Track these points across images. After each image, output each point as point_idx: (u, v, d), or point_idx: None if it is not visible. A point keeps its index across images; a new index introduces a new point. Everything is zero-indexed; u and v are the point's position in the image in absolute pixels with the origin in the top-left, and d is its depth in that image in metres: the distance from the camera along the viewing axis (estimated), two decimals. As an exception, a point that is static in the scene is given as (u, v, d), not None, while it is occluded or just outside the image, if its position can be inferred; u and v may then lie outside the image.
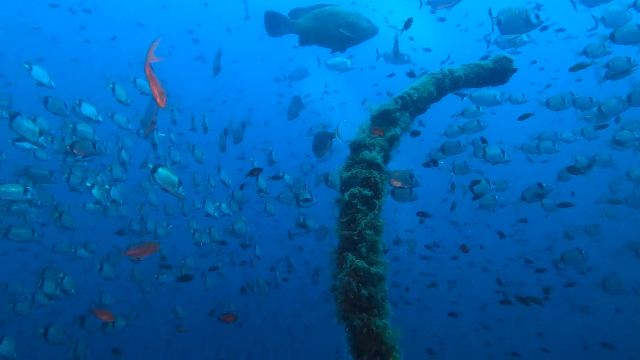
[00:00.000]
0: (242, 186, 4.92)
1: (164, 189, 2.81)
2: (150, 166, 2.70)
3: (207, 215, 4.66)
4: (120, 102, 4.56)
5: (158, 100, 2.33)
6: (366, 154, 3.23)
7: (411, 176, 4.02)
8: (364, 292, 2.71)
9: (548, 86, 13.33)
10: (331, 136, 3.94)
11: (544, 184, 5.95)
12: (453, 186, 6.56)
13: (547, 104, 6.11)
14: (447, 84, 3.66)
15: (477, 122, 6.46)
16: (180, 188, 2.85)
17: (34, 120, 5.03)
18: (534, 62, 15.08)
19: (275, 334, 17.70)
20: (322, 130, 4.35)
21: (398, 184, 3.97)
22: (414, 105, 3.52)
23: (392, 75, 7.82)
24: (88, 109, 4.23)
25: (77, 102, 4.24)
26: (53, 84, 4.70)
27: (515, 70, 3.96)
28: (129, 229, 5.12)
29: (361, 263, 2.76)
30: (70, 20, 18.41)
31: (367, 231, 2.89)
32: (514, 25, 4.74)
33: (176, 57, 22.00)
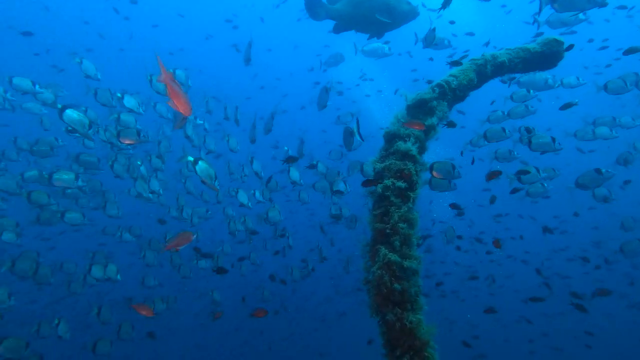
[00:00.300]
0: (268, 180, 4.94)
1: (203, 182, 2.94)
2: (192, 159, 2.82)
3: (242, 205, 4.77)
4: (158, 93, 4.73)
5: (182, 111, 2.41)
6: (400, 144, 3.13)
7: (453, 167, 3.84)
8: (397, 286, 2.67)
9: (608, 66, 12.23)
10: (352, 133, 3.87)
11: (603, 170, 5.47)
12: (473, 160, 6.22)
13: (605, 87, 5.55)
14: (489, 71, 3.45)
15: (524, 107, 6.00)
16: (216, 181, 2.96)
17: (85, 112, 5.35)
18: (591, 41, 13.80)
19: (309, 321, 18.05)
20: (347, 127, 4.30)
21: (439, 175, 3.82)
22: (453, 93, 3.36)
23: (430, 59, 7.50)
24: (130, 101, 4.44)
25: (119, 95, 4.45)
26: (99, 76, 4.96)
27: (570, 47, 3.65)
28: (169, 215, 5.37)
29: (394, 257, 2.71)
30: (115, 12, 19.27)
31: (401, 224, 2.83)
32: (571, 2, 4.35)
33: (214, 45, 22.43)
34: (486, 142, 5.83)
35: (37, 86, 5.00)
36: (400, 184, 2.94)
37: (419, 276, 2.87)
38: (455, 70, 3.42)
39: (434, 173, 3.77)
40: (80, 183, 4.70)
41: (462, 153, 6.52)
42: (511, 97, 6.09)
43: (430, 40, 4.81)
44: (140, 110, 4.55)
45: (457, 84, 3.33)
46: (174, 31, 22.73)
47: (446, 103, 3.35)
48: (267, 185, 5.35)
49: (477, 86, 3.45)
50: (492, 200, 5.52)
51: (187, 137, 4.57)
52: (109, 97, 4.72)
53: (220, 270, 4.45)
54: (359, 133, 3.47)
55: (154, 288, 5.82)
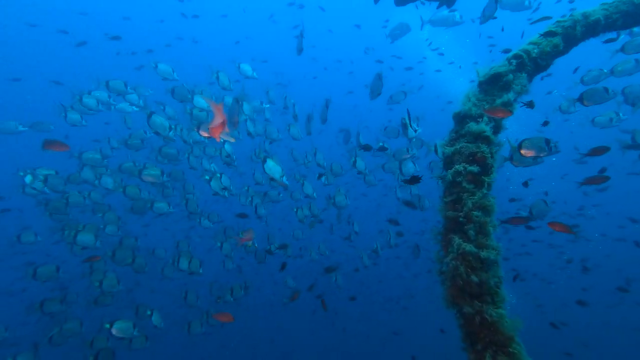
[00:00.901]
0: (320, 176, 4.90)
1: (271, 179, 3.05)
2: (261, 156, 2.97)
3: (307, 196, 4.86)
4: (224, 89, 4.96)
5: (214, 135, 2.49)
6: (472, 126, 2.89)
7: (547, 142, 3.37)
8: (474, 278, 2.51)
9: None
10: (381, 84, 3.73)
11: None
12: (546, 123, 5.44)
13: None
14: (579, 32, 2.99)
15: (634, 62, 4.95)
16: (284, 177, 3.05)
17: (164, 109, 5.83)
18: None
19: (380, 303, 18.11)
20: (379, 73, 4.05)
21: (531, 153, 3.41)
22: (533, 63, 2.98)
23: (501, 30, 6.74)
24: (200, 102, 4.73)
25: (189, 97, 4.76)
26: (176, 76, 5.32)
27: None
28: (239, 204, 5.69)
29: (469, 247, 2.55)
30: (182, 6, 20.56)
31: (475, 212, 2.63)
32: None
33: (277, 30, 22.76)
34: (576, 109, 5.09)
35: (128, 87, 5.51)
36: (473, 168, 2.72)
37: (499, 267, 2.66)
38: (535, 36, 3.02)
39: (524, 151, 3.37)
40: (165, 178, 5.17)
41: (546, 123, 5.81)
42: (622, 49, 5.04)
43: (490, 13, 4.02)
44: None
45: (539, 52, 2.95)
46: (240, 21, 23.43)
47: (525, 75, 3.00)
48: (318, 178, 5.36)
49: (563, 52, 3.03)
50: (598, 177, 4.71)
51: (249, 133, 4.75)
52: (185, 93, 5.09)
53: (283, 266, 4.64)
54: (411, 125, 3.25)
55: (232, 272, 6.25)
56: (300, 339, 16.60)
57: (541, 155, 3.32)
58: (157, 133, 4.73)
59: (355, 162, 4.43)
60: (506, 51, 4.88)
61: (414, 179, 3.93)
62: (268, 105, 5.69)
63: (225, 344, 14.94)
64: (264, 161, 3.06)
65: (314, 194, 5.00)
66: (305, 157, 5.53)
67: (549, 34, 2.94)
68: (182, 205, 5.85)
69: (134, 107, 5.88)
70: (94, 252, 4.71)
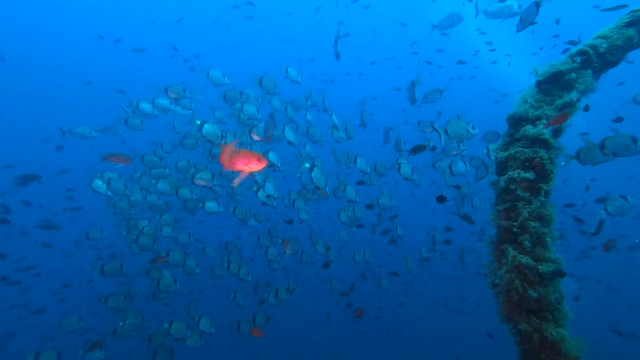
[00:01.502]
0: (360, 182, 4.79)
1: (317, 187, 3.12)
2: (307, 165, 3.04)
3: (350, 201, 4.83)
4: (268, 93, 5.05)
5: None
6: (529, 129, 2.69)
7: (635, 140, 3.02)
8: (532, 293, 2.35)
9: None
10: (413, 84, 3.56)
11: None
12: (619, 119, 4.89)
13: None
14: (656, 22, 2.68)
15: None
16: (327, 187, 3.09)
17: (214, 113, 6.06)
18: None
19: (428, 306, 17.60)
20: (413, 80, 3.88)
21: (614, 154, 3.04)
22: (601, 59, 2.72)
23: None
24: (250, 109, 4.85)
25: (239, 105, 4.91)
26: (227, 80, 5.47)
27: None
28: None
29: (526, 259, 2.39)
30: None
31: (531, 222, 2.46)
32: None
33: (323, 29, 22.81)
34: None
35: (186, 92, 5.78)
36: (528, 175, 2.54)
37: (560, 282, 2.47)
38: (605, 29, 2.75)
39: (606, 151, 3.04)
40: (215, 182, 5.39)
41: (619, 119, 5.28)
42: None
43: (531, 17, 3.41)
44: (259, 116, 4.94)
45: (608, 46, 2.68)
46: (288, 21, 23.76)
47: (590, 72, 2.74)
48: (375, 169, 5.24)
49: (638, 45, 2.73)
50: None
51: (289, 142, 4.79)
52: (237, 96, 5.25)
53: (326, 265, 4.65)
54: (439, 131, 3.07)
55: (277, 270, 6.38)
56: (346, 338, 16.60)
57: (626, 155, 2.99)
58: (209, 141, 4.93)
59: (399, 168, 4.32)
60: (572, 42, 4.45)
61: (441, 199, 3.82)
62: (310, 103, 5.66)
63: (272, 342, 15.33)
64: (311, 169, 3.13)
65: (357, 198, 4.95)
66: (347, 157, 5.46)
67: (622, 25, 2.67)
68: (231, 204, 6.05)
69: (185, 111, 6.18)
70: (153, 254, 5.03)
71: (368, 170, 4.68)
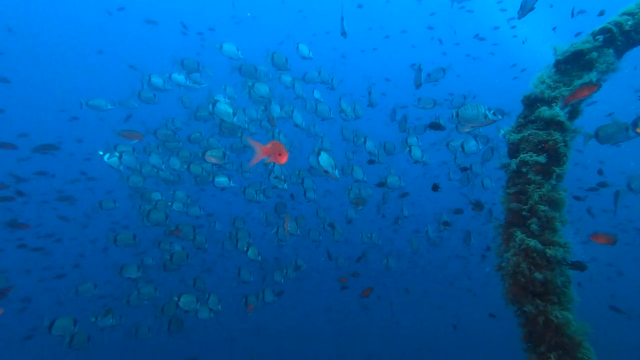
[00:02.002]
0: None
1: (325, 171, 3.12)
2: (316, 150, 3.06)
3: (356, 180, 4.81)
4: (279, 69, 4.97)
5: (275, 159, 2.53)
6: (544, 111, 2.62)
7: (627, 127, 2.91)
8: (538, 275, 2.36)
9: None
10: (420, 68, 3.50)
11: None
12: None
13: None
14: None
15: None
16: (337, 170, 3.10)
17: (224, 90, 6.03)
18: None
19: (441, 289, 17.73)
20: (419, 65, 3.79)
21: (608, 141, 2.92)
22: (626, 37, 2.60)
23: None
24: (262, 88, 4.79)
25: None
26: (241, 55, 5.41)
27: None
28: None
29: (534, 243, 2.38)
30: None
31: (541, 206, 2.44)
32: None
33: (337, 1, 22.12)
34: None
35: (200, 65, 5.75)
36: (540, 158, 2.50)
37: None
38: (632, 4, 2.62)
39: (601, 140, 2.96)
40: (225, 160, 5.41)
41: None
42: None
43: (530, 5, 3.33)
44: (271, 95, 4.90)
45: (634, 23, 2.56)
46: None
47: (612, 51, 2.63)
48: (384, 148, 5.19)
49: (665, 23, 2.59)
50: None
51: (297, 125, 4.76)
52: (252, 71, 5.19)
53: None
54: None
55: (285, 247, 6.50)
56: (352, 315, 16.95)
57: (621, 141, 2.91)
58: (222, 120, 4.92)
59: (410, 151, 4.27)
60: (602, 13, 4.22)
61: (435, 187, 3.82)
62: (319, 79, 5.56)
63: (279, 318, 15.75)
64: (319, 154, 3.13)
65: (364, 177, 4.94)
66: (355, 135, 5.39)
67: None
68: (241, 179, 6.08)
69: (197, 85, 6.16)
70: (165, 227, 5.14)
71: (377, 152, 4.64)
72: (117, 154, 5.54)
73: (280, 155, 2.55)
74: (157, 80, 5.91)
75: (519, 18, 3.58)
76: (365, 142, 4.57)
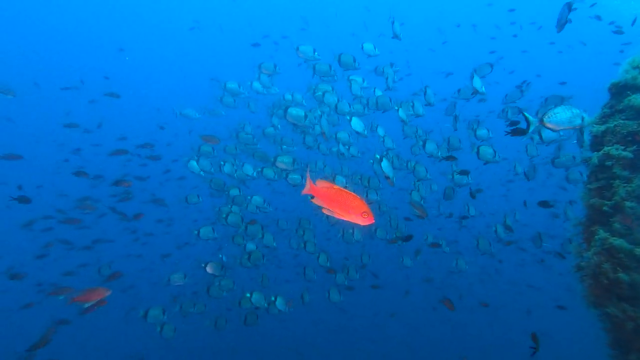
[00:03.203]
0: (449, 158, 4.49)
1: (386, 177, 3.23)
2: (378, 156, 3.18)
3: (419, 180, 4.73)
4: (347, 69, 5.07)
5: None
6: (635, 98, 2.40)
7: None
8: (623, 277, 2.18)
9: None
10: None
11: None
12: None
13: None
14: None
15: None
16: (394, 178, 3.21)
17: (292, 96, 6.34)
18: None
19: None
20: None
21: None
22: None
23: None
24: (331, 98, 4.93)
25: (332, 73, 5.03)
26: (317, 56, 5.57)
27: None
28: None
29: (619, 242, 2.21)
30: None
31: (628, 203, 2.24)
32: None
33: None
34: None
35: (276, 67, 6.12)
36: (627, 153, 2.30)
37: (661, 267, 2.24)
38: None
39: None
40: (295, 166, 5.66)
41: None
42: None
43: (564, 19, 3.15)
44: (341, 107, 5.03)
45: None
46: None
47: None
48: (448, 143, 4.96)
49: None
50: None
51: (358, 133, 4.83)
52: (327, 69, 5.34)
53: (407, 238, 4.63)
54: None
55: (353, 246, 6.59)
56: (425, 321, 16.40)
57: None
58: (294, 124, 5.20)
59: (478, 152, 4.09)
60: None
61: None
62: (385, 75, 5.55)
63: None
64: (381, 160, 3.24)
65: (427, 175, 4.83)
66: (416, 133, 5.25)
67: None
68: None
69: (268, 90, 6.59)
70: (239, 229, 5.56)
71: (438, 153, 4.50)
72: (196, 157, 6.15)
73: (360, 216, 2.00)
74: (232, 85, 6.47)
75: (558, 32, 3.47)
76: (425, 145, 4.49)
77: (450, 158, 4.55)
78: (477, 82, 4.30)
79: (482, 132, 4.45)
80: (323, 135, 5.00)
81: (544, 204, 4.13)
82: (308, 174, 2.11)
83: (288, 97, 6.25)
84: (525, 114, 2.33)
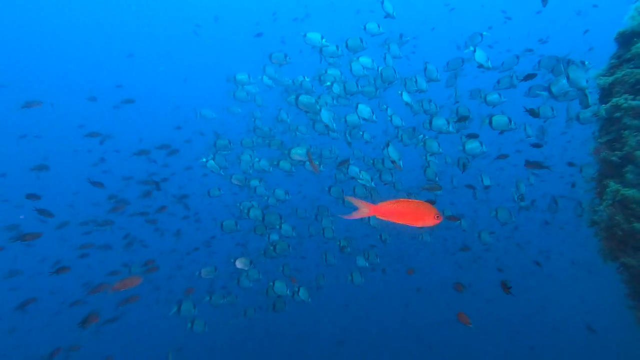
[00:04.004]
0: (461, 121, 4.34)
1: (392, 162, 3.29)
2: (385, 142, 3.27)
3: (432, 154, 4.67)
4: (356, 52, 5.05)
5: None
6: (642, 45, 2.33)
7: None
8: (638, 226, 2.16)
9: None
10: None
11: None
12: None
13: None
14: None
15: None
16: (401, 161, 3.25)
17: (301, 83, 6.38)
18: None
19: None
20: None
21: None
22: None
23: None
24: (364, 111, 4.90)
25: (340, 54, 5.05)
26: (325, 43, 5.50)
27: None
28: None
29: (631, 192, 2.17)
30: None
31: (639, 152, 2.20)
32: None
33: None
34: None
35: (287, 57, 6.15)
36: (636, 102, 2.24)
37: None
38: None
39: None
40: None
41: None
42: None
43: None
44: (374, 118, 5.01)
45: None
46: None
47: None
48: (457, 113, 4.82)
49: None
50: None
51: (326, 126, 4.85)
52: (334, 50, 5.24)
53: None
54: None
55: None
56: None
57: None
58: (306, 111, 5.24)
59: (491, 121, 3.95)
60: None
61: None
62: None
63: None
64: (387, 145, 3.28)
65: (440, 150, 4.75)
66: (421, 105, 5.10)
67: None
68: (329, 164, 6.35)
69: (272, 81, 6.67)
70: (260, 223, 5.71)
71: (446, 128, 4.35)
72: (211, 155, 6.32)
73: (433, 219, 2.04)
74: (241, 77, 6.57)
75: (543, 6, 3.32)
76: (431, 122, 4.38)
77: (463, 119, 4.43)
78: (481, 56, 4.18)
79: (493, 97, 4.30)
80: (327, 127, 5.02)
81: (533, 164, 3.92)
82: (355, 199, 2.08)
83: (300, 79, 6.28)
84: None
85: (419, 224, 2.07)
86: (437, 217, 2.04)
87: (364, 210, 2.07)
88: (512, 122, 4.28)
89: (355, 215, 2.06)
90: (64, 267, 4.59)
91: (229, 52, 26.92)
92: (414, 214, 2.04)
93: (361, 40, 5.29)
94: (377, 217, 2.06)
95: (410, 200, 2.07)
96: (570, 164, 4.32)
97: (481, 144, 4.64)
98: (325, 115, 4.80)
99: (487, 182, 4.80)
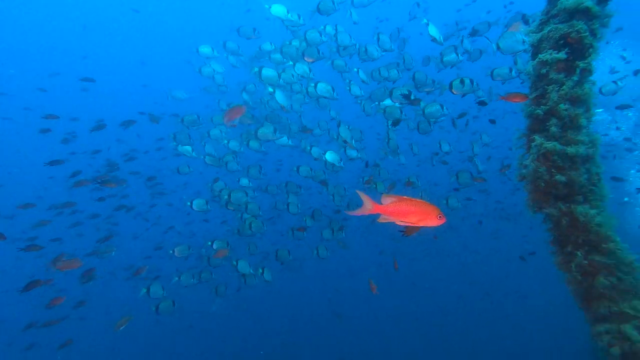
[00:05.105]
0: (405, 96, 4.29)
1: (344, 141, 3.35)
2: (337, 122, 3.32)
3: (346, 142, 4.78)
4: (329, 14, 4.93)
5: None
6: (567, 0, 2.37)
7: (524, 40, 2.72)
8: (560, 178, 2.26)
9: None
10: None
11: None
12: None
13: None
14: None
15: None
16: (354, 141, 3.33)
17: (269, 57, 6.29)
18: None
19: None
20: None
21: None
22: None
23: None
24: (324, 89, 4.78)
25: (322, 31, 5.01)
26: (291, 17, 5.27)
27: None
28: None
29: (552, 145, 2.27)
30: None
31: (562, 105, 2.28)
32: None
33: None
34: None
35: (256, 32, 6.00)
36: (560, 55, 2.30)
37: (596, 162, 2.32)
38: None
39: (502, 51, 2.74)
40: (277, 135, 5.67)
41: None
42: None
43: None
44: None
45: None
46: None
47: None
48: (414, 79, 4.80)
49: None
50: None
51: (282, 107, 4.82)
52: (317, 35, 5.18)
53: (414, 101, 4.31)
54: None
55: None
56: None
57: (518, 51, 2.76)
58: (270, 85, 5.19)
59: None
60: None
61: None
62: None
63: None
64: (338, 125, 3.32)
65: (403, 115, 4.81)
66: (378, 73, 5.07)
67: None
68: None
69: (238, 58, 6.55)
70: (241, 208, 5.72)
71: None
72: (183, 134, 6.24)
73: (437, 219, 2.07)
74: (204, 50, 6.40)
75: None
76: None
77: (413, 102, 4.43)
78: (434, 30, 4.22)
79: (450, 57, 4.30)
80: (282, 108, 4.98)
81: (482, 102, 4.06)
82: (364, 195, 2.09)
83: (266, 47, 6.15)
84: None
85: (422, 224, 2.09)
86: (440, 217, 2.09)
87: (368, 207, 2.09)
88: (475, 83, 4.34)
89: (359, 212, 2.08)
90: (37, 281, 4.57)
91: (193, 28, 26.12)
92: (417, 214, 2.09)
93: (333, 2, 5.10)
94: (381, 215, 2.08)
95: (413, 200, 2.09)
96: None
97: (442, 106, 4.70)
98: (279, 96, 4.77)
99: (445, 148, 4.91)
